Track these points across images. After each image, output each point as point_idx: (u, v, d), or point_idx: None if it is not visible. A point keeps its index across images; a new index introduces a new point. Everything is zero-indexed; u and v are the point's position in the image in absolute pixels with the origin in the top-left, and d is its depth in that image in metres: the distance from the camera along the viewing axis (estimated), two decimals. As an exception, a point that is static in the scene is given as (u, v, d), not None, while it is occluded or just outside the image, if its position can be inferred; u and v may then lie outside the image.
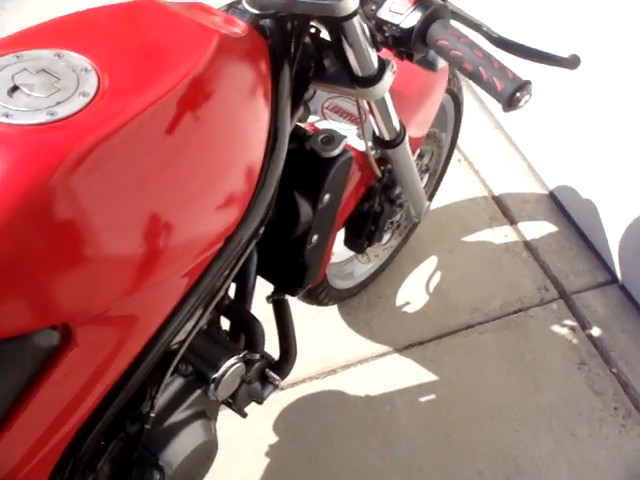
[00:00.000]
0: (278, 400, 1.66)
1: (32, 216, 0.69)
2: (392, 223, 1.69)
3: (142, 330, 0.87)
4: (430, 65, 1.06)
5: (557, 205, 2.11)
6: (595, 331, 1.84)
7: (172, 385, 1.09)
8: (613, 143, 1.83)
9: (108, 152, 0.72)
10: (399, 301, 1.87)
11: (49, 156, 0.69)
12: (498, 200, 2.13)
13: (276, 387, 1.24)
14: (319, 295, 1.62)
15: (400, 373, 1.73)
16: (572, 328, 1.85)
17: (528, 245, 2.03)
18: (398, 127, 1.27)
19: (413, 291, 1.90)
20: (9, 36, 0.82)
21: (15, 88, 0.74)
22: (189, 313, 0.92)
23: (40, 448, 0.85)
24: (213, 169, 0.87)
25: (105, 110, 0.74)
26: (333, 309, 1.83)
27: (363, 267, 1.80)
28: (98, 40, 0.82)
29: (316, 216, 1.14)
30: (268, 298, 1.29)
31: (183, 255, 0.87)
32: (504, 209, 2.11)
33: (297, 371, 1.59)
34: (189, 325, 0.99)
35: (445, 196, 2.09)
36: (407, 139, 1.32)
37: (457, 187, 2.14)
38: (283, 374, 1.25)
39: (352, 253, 1.73)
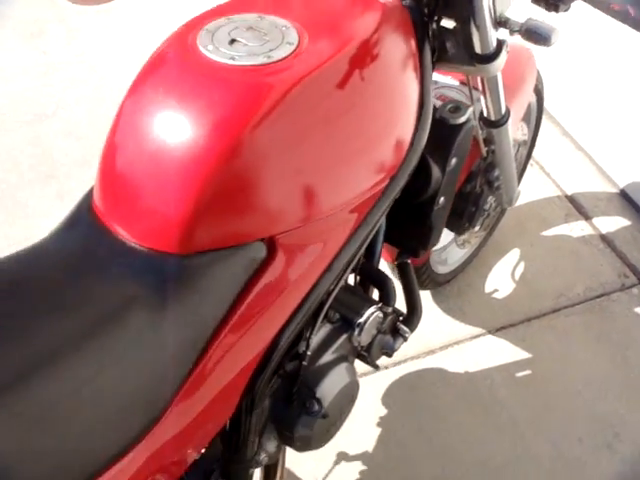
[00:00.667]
0: (384, 377, 1.78)
1: (258, 140, 0.85)
2: (484, 211, 1.82)
3: (324, 254, 1.01)
4: (545, 40, 1.21)
5: (629, 202, 2.24)
6: (677, 313, 1.95)
7: (322, 330, 1.23)
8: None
9: (315, 87, 0.88)
10: (487, 289, 2.00)
11: (273, 90, 0.85)
12: (572, 199, 2.26)
13: (405, 340, 1.36)
14: (422, 276, 1.76)
15: (495, 352, 1.85)
16: (655, 310, 1.95)
17: (604, 238, 2.15)
18: (504, 108, 1.42)
19: (499, 280, 2.02)
20: (213, 8, 1.00)
21: (233, 40, 0.91)
22: (356, 247, 1.06)
23: (240, 363, 0.98)
24: (384, 119, 1.03)
25: (309, 54, 0.90)
26: (427, 297, 1.96)
27: (457, 254, 1.93)
28: (287, 7, 0.99)
29: (444, 178, 1.28)
30: (394, 262, 1.43)
31: (354, 189, 1.02)
32: (578, 207, 2.24)
33: (399, 352, 1.72)
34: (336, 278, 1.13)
35: (521, 197, 2.21)
36: (510, 121, 1.46)
37: (532, 188, 2.27)
38: (412, 327, 1.38)
39: (448, 240, 1.86)
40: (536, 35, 1.21)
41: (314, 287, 1.02)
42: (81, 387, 0.77)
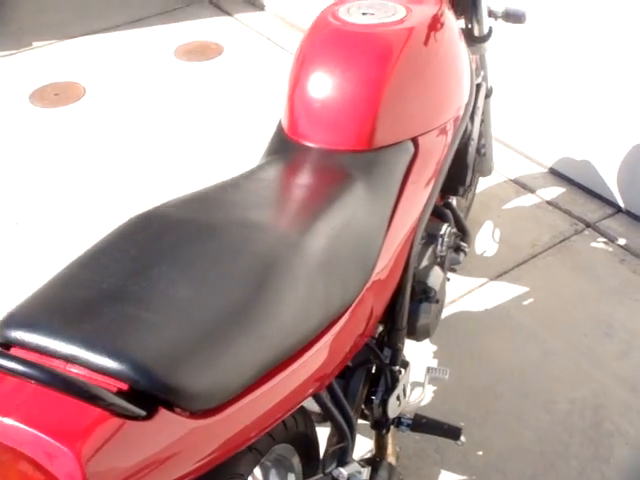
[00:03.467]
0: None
1: (403, 68, 1.31)
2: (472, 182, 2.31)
3: (440, 155, 1.45)
4: (518, 19, 1.75)
5: (558, 175, 2.83)
6: (621, 241, 2.51)
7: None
8: (588, 109, 2.58)
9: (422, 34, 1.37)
10: (478, 251, 2.49)
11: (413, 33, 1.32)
12: (516, 181, 2.83)
13: (466, 254, 1.82)
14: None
15: (501, 292, 2.32)
16: (605, 242, 2.51)
17: (550, 202, 2.71)
18: (490, 83, 1.95)
19: (485, 243, 2.52)
20: None
21: (364, 13, 1.37)
22: (452, 155, 1.51)
23: (405, 235, 1.37)
24: (460, 68, 1.52)
25: (415, 16, 1.38)
26: (435, 263, 2.41)
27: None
28: None
29: (473, 126, 1.77)
30: (441, 202, 1.88)
31: (453, 107, 1.49)
32: (523, 185, 2.81)
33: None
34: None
35: (479, 187, 2.76)
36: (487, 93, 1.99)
37: (484, 181, 2.81)
38: (468, 243, 1.83)
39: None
40: (513, 17, 1.76)
41: (436, 182, 1.46)
42: (341, 230, 1.16)
